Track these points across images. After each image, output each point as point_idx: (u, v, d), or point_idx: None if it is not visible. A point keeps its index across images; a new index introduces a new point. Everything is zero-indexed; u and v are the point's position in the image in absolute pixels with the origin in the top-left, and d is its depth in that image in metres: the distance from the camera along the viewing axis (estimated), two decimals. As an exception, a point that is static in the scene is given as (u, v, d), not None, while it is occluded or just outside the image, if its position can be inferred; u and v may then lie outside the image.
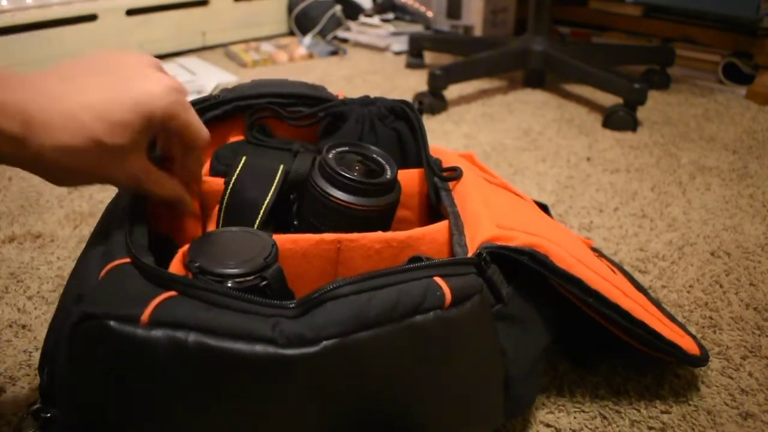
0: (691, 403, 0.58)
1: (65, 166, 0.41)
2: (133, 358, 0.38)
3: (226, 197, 0.55)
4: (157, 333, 0.37)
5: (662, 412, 0.57)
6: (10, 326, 0.66)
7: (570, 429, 0.55)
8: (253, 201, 0.55)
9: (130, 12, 1.56)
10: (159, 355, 0.37)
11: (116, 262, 0.42)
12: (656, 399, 0.58)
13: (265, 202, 0.55)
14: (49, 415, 0.41)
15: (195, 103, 0.63)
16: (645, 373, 0.61)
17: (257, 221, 0.54)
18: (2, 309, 0.69)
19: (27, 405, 0.43)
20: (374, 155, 0.57)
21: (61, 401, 0.41)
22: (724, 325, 0.69)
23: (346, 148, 0.57)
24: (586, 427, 0.55)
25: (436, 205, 0.58)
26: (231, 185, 0.55)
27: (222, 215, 0.55)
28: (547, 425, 0.55)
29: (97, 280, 0.42)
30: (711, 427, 0.56)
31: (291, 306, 0.39)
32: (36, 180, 0.99)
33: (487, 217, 0.52)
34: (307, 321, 0.38)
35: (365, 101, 0.66)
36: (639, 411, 0.57)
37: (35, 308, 0.69)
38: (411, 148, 0.64)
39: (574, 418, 0.56)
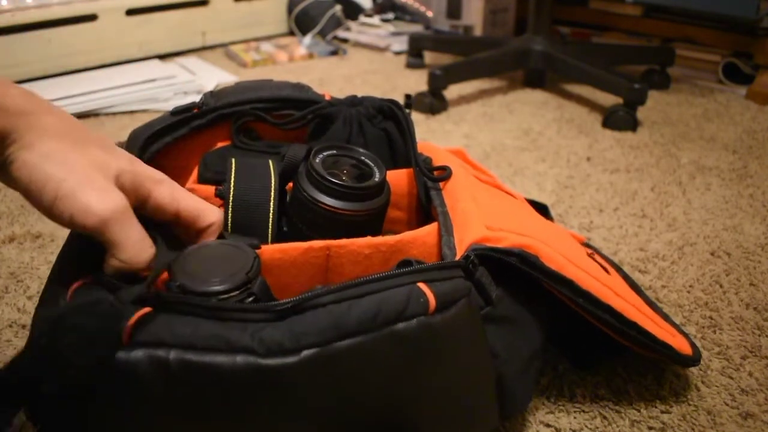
0: (691, 403, 0.58)
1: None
2: (115, 382, 0.37)
3: (229, 214, 0.53)
4: (138, 354, 0.36)
5: (662, 412, 0.57)
6: (10, 326, 0.66)
7: (570, 429, 0.55)
8: (258, 206, 0.54)
9: (130, 12, 1.56)
10: (142, 376, 0.36)
11: (79, 283, 0.41)
12: (656, 399, 0.58)
13: (270, 210, 0.54)
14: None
15: (178, 112, 0.62)
16: (644, 372, 0.61)
17: (269, 230, 0.53)
18: (2, 309, 0.69)
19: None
20: (362, 157, 0.57)
21: (46, 425, 0.41)
22: (724, 325, 0.69)
23: (334, 151, 0.56)
24: (586, 427, 0.55)
25: (426, 206, 0.57)
26: (231, 199, 0.53)
27: (230, 229, 0.54)
28: (547, 425, 0.55)
29: (66, 303, 0.41)
30: (711, 427, 0.56)
31: (268, 310, 0.38)
32: (36, 180, 0.99)
33: (477, 218, 0.52)
34: (286, 328, 0.38)
35: (353, 101, 0.65)
36: (639, 411, 0.57)
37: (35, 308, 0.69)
38: (401, 147, 0.64)
39: (574, 418, 0.56)
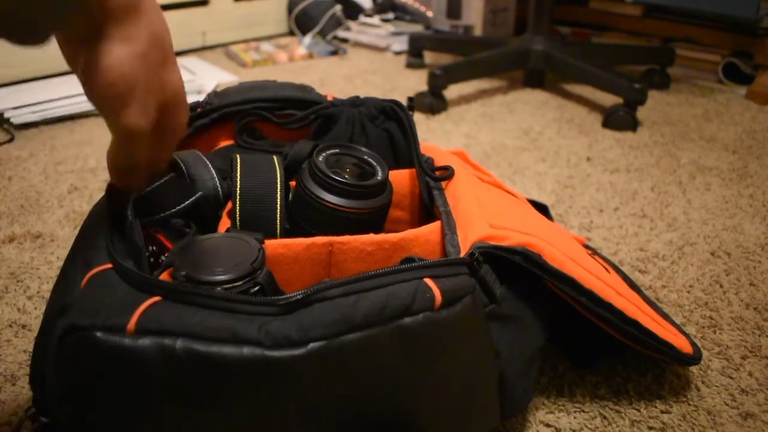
0: (691, 403, 0.58)
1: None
2: (122, 369, 0.37)
3: (237, 209, 0.53)
4: (145, 341, 0.37)
5: (662, 412, 0.57)
6: (10, 326, 0.66)
7: (570, 429, 0.55)
8: (265, 198, 0.54)
9: (130, 12, 1.56)
10: (148, 364, 0.37)
11: (97, 269, 0.42)
12: (656, 399, 0.58)
13: (277, 203, 0.54)
14: (45, 420, 0.41)
15: None
16: (644, 372, 0.61)
17: (277, 222, 0.53)
18: (2, 309, 0.69)
19: (25, 407, 0.43)
20: (365, 156, 0.57)
21: (54, 411, 0.41)
22: (724, 325, 0.69)
23: (337, 150, 0.56)
24: (586, 427, 0.55)
25: (429, 206, 0.57)
26: (238, 193, 0.54)
27: (239, 224, 0.54)
28: (547, 425, 0.55)
29: (80, 289, 0.41)
30: (711, 427, 0.56)
31: (276, 304, 0.39)
32: (36, 180, 0.99)
33: (480, 217, 0.52)
34: (294, 321, 0.38)
35: (355, 102, 0.65)
36: (639, 411, 0.57)
37: (35, 308, 0.69)
38: (403, 148, 0.64)
39: (574, 418, 0.56)
